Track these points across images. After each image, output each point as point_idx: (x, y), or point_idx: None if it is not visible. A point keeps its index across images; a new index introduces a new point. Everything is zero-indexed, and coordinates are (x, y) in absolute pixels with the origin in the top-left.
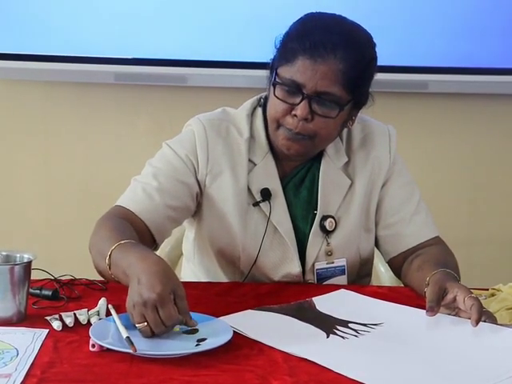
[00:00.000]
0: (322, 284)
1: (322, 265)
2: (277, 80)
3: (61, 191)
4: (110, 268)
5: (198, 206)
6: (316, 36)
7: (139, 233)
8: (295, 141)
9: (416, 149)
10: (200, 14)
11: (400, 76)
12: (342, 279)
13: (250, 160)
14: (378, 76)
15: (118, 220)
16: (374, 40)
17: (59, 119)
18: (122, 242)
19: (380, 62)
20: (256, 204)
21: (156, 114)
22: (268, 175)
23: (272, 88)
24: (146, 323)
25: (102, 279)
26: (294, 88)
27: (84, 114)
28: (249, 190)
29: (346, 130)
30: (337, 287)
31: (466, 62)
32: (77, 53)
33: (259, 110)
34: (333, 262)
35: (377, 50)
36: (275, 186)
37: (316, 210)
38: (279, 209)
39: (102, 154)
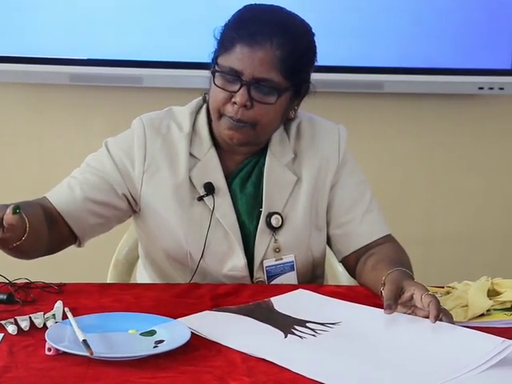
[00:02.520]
0: (279, 284)
1: (270, 262)
2: (216, 69)
3: (14, 193)
4: None
5: (136, 206)
6: (253, 25)
7: (55, 223)
8: (237, 129)
9: (372, 148)
10: (155, 14)
11: (356, 76)
12: (292, 275)
13: (191, 155)
14: (335, 76)
15: (29, 201)
16: (314, 31)
17: (13, 121)
18: None
19: (336, 63)
20: (200, 198)
21: (111, 115)
22: (211, 170)
23: (212, 77)
24: None
25: (59, 282)
26: (233, 75)
27: (38, 115)
28: (192, 184)
29: (295, 128)
30: (294, 287)
31: (420, 63)
32: (31, 53)
33: (204, 107)
34: (281, 259)
35: (330, 48)
36: (219, 181)
37: (262, 207)
38: (223, 203)
39: (57, 155)
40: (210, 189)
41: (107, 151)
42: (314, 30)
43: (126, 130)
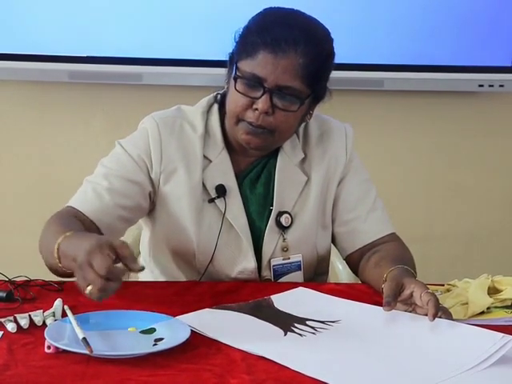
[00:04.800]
0: (280, 282)
1: (278, 261)
2: (237, 74)
3: (14, 191)
4: (60, 261)
5: (152, 204)
6: (277, 30)
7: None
8: (256, 135)
9: (372, 146)
10: (155, 11)
11: (356, 74)
12: (299, 275)
13: (205, 156)
14: (335, 74)
15: (65, 217)
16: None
17: (12, 119)
18: (68, 233)
19: (336, 60)
20: (211, 201)
21: (111, 112)
22: (223, 172)
23: (232, 82)
24: (90, 286)
25: (58, 280)
26: (255, 82)
27: (38, 113)
28: (204, 186)
29: (302, 127)
30: (295, 285)
31: (420, 60)
32: (30, 51)
33: (215, 107)
34: (289, 258)
35: (334, 47)
36: (230, 183)
37: (272, 206)
38: (234, 205)
39: (57, 153)
40: (221, 191)
41: (124, 151)
42: None
43: (134, 131)
